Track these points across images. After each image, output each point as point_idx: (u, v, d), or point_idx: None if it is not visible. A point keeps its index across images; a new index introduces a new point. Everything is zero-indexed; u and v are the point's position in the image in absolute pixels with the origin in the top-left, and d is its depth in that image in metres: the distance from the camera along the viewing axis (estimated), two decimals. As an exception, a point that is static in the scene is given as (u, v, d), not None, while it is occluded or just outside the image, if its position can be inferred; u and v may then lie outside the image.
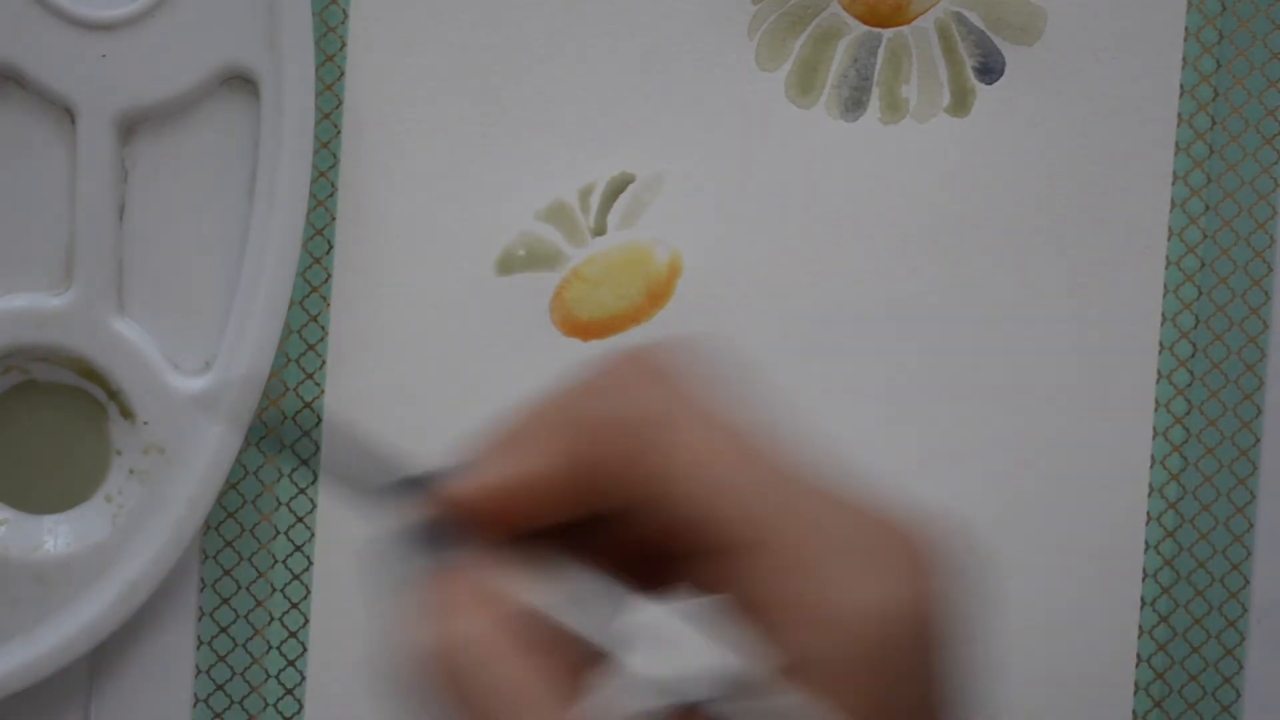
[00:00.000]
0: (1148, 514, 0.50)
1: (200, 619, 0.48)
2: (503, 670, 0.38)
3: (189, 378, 0.47)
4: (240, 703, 0.48)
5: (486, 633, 0.39)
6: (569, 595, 0.39)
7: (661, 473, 0.38)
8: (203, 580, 0.48)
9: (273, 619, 0.48)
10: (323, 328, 0.48)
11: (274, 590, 0.48)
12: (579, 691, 0.38)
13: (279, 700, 0.48)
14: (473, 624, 0.39)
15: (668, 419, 0.38)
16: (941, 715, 0.39)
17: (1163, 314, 0.49)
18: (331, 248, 0.48)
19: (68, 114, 0.46)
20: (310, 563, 0.48)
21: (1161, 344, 0.49)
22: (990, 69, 0.49)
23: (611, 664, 0.39)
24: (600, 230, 0.49)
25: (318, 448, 0.48)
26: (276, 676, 0.48)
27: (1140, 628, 0.50)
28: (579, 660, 0.39)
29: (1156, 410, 0.50)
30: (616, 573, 0.42)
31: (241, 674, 0.48)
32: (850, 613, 0.37)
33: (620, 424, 0.39)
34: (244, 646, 0.48)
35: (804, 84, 0.49)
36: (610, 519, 0.40)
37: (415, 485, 0.39)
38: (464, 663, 0.38)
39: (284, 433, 0.43)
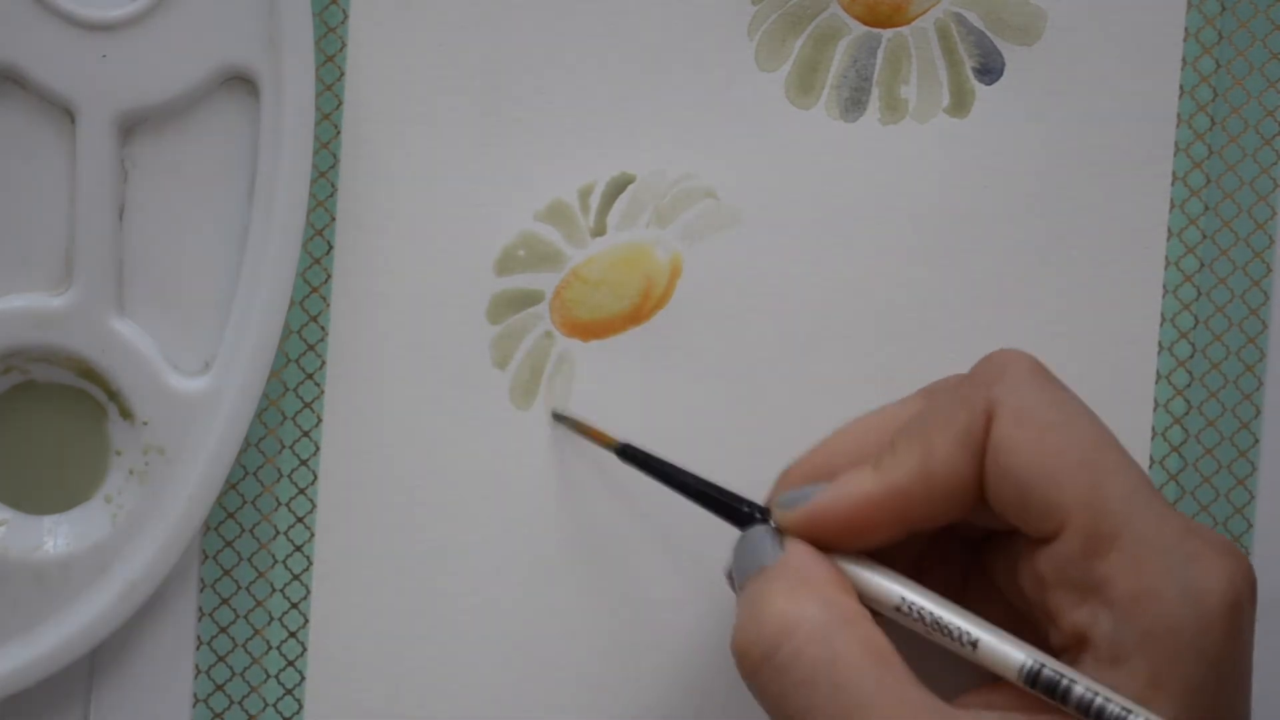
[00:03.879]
0: (1147, 514, 0.50)
1: (200, 619, 0.48)
2: (842, 649, 0.39)
3: (189, 378, 0.47)
4: (240, 703, 0.48)
5: (828, 616, 0.40)
6: (915, 599, 0.41)
7: (1013, 430, 0.39)
8: (203, 580, 0.48)
9: (273, 619, 0.48)
10: (323, 328, 0.48)
11: (274, 590, 0.48)
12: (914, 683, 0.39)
13: (279, 700, 0.49)
14: (810, 608, 0.40)
15: (1019, 384, 0.40)
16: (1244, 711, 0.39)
17: (1162, 314, 0.49)
18: (331, 248, 0.48)
19: (68, 114, 0.46)
20: (310, 563, 0.48)
21: (1160, 344, 0.50)
22: (990, 69, 0.49)
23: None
24: (600, 230, 0.49)
25: (317, 448, 0.48)
26: (276, 676, 0.48)
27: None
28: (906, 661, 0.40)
29: (1155, 411, 0.50)
30: (956, 577, 0.44)
31: (241, 674, 0.48)
32: (1202, 592, 0.38)
33: (975, 379, 0.40)
34: (244, 646, 0.48)
35: (804, 84, 0.49)
36: (956, 526, 0.42)
37: (780, 506, 0.42)
38: (809, 645, 0.39)
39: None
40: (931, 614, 0.41)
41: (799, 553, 0.42)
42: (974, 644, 0.41)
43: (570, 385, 0.49)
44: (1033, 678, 0.40)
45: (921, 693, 0.39)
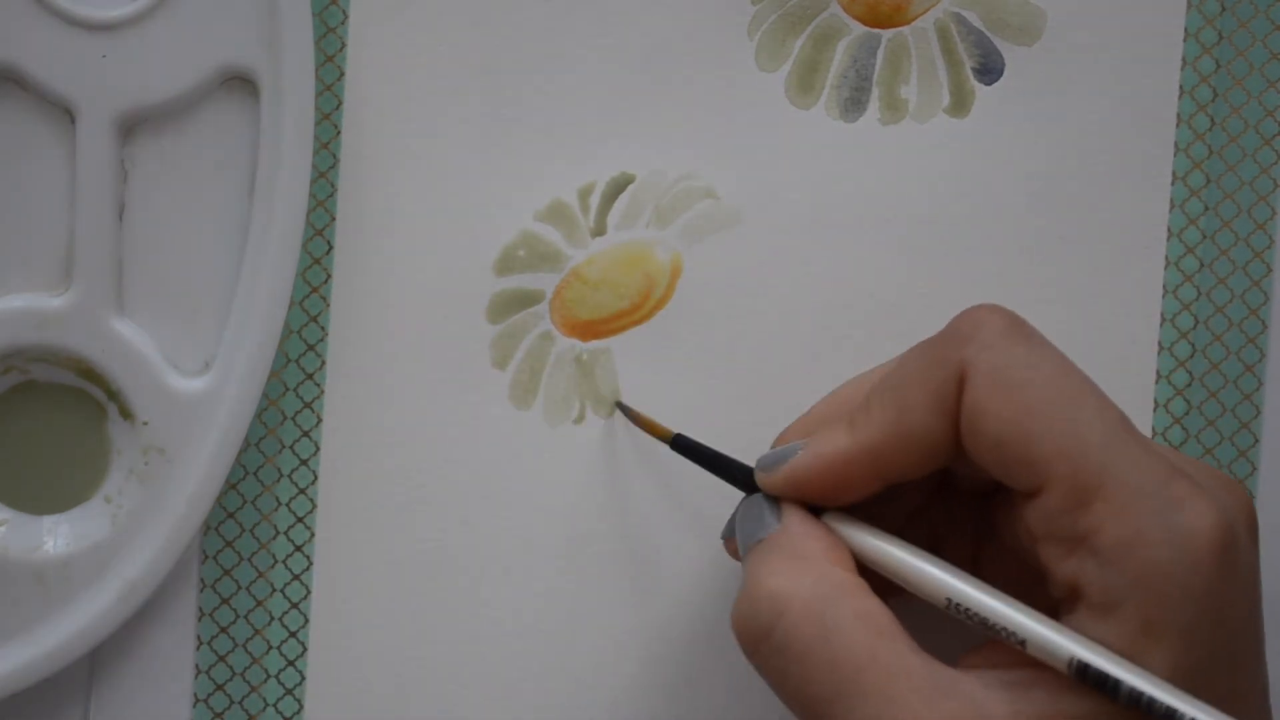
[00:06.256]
0: (1147, 514, 0.50)
1: (200, 619, 0.48)
2: (841, 617, 0.39)
3: (189, 378, 0.47)
4: (240, 703, 0.48)
5: (820, 590, 0.39)
6: (898, 553, 0.41)
7: (985, 392, 0.40)
8: (203, 580, 0.48)
9: (273, 619, 0.48)
10: (323, 328, 0.48)
11: (274, 590, 0.48)
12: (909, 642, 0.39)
13: (279, 700, 0.49)
14: (804, 583, 0.40)
15: (990, 344, 0.40)
16: (1253, 654, 0.39)
17: (1162, 315, 0.49)
18: (331, 248, 0.48)
19: (68, 114, 0.46)
20: (310, 563, 0.48)
21: (1160, 345, 0.50)
22: (990, 69, 0.49)
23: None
24: (600, 230, 0.49)
25: (317, 448, 0.48)
26: (276, 676, 0.48)
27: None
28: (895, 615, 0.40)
29: (1155, 411, 0.50)
30: (944, 532, 0.44)
31: (241, 674, 0.48)
32: (1188, 534, 0.38)
33: (948, 339, 0.40)
34: (244, 646, 0.48)
35: (804, 84, 0.49)
36: (934, 477, 0.42)
37: (762, 468, 0.43)
38: (803, 619, 0.39)
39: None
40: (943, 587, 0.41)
41: (794, 523, 0.42)
42: (984, 621, 0.40)
43: (570, 385, 0.49)
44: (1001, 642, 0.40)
45: (920, 660, 0.39)
